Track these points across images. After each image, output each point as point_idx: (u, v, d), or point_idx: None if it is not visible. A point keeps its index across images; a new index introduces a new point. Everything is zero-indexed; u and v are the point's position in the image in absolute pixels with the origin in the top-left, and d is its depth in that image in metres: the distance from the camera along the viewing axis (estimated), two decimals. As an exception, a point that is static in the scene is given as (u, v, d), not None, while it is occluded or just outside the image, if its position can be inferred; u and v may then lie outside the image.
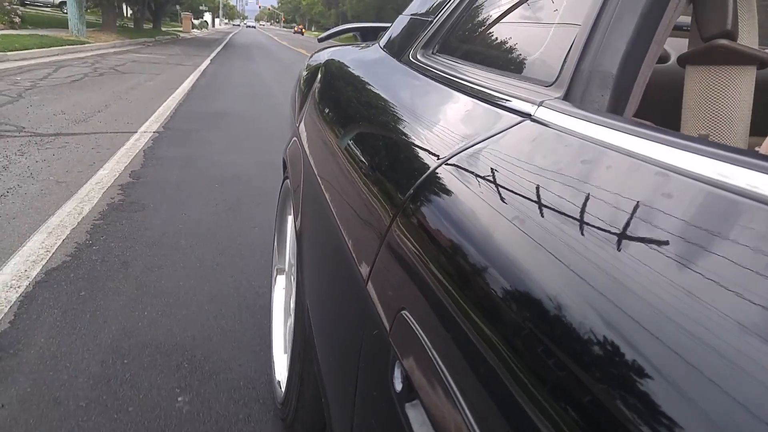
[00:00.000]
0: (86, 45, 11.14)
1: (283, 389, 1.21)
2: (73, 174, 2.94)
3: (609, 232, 0.32)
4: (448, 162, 0.54)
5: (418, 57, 0.94)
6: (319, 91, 1.25)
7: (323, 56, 1.46)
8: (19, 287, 1.74)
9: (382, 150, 0.73)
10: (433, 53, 0.93)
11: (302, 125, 1.28)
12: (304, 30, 58.47)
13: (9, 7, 12.76)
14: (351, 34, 1.99)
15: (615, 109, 0.46)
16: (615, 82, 0.46)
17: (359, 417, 0.59)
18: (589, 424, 0.26)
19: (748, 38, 0.56)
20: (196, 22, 37.42)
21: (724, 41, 0.53)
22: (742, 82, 0.55)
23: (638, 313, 0.27)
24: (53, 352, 1.45)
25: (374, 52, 1.19)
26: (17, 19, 12.44)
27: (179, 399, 1.32)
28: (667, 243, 0.28)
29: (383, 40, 1.21)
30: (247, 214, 2.61)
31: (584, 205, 0.35)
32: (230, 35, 29.95)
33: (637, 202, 0.32)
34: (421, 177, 0.55)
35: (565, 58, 0.52)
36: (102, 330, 1.57)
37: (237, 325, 1.65)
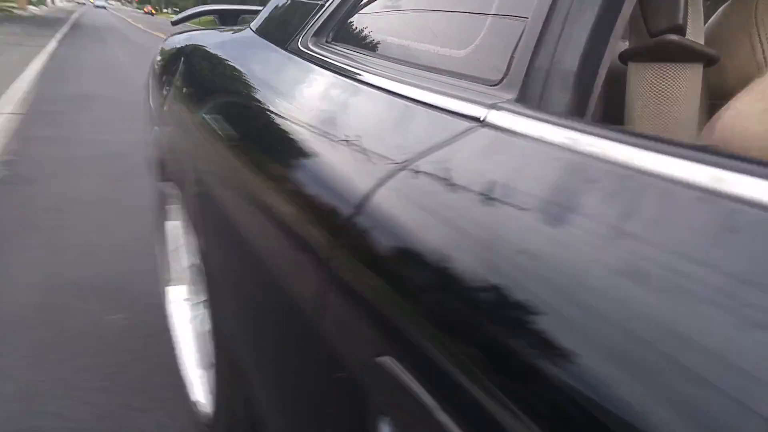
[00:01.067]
0: None
1: (210, 410, 1.10)
2: (-61, 154, 2.93)
3: (590, 244, 0.30)
4: (397, 174, 0.47)
5: (310, 45, 0.83)
6: (186, 81, 1.13)
7: (181, 41, 1.33)
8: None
9: (301, 166, 0.63)
10: (327, 42, 0.83)
11: (169, 118, 1.16)
12: (154, 11, 54.73)
13: None
14: (209, 17, 1.83)
15: (577, 110, 0.43)
16: (576, 81, 0.43)
17: None
18: None
19: (694, 35, 0.54)
20: (30, -3, 33.11)
21: (674, 37, 0.50)
22: (691, 81, 0.52)
23: (625, 333, 0.26)
24: (-15, 289, 1.70)
25: (247, 37, 1.06)
26: None
27: (110, 317, 1.68)
28: (648, 250, 0.27)
29: (256, 25, 1.08)
30: (133, 183, 2.87)
31: (561, 216, 0.33)
32: (75, 15, 27.15)
33: (619, 210, 0.31)
34: (361, 195, 0.49)
35: (513, 54, 0.48)
36: (26, 274, 1.83)
37: (143, 266, 2.00)
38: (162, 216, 1.41)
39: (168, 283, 1.47)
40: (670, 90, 0.52)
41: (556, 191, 0.35)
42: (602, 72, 0.43)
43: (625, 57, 0.55)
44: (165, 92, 1.24)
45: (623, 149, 0.33)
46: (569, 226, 0.33)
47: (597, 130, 0.36)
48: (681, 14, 0.51)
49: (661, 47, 0.51)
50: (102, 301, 1.74)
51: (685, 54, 0.51)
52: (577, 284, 0.30)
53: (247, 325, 0.79)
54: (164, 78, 1.30)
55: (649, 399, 0.24)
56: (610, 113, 0.54)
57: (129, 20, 28.99)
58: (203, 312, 1.11)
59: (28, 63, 6.85)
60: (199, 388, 1.19)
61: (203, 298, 1.07)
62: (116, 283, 1.86)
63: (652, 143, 0.33)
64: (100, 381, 1.39)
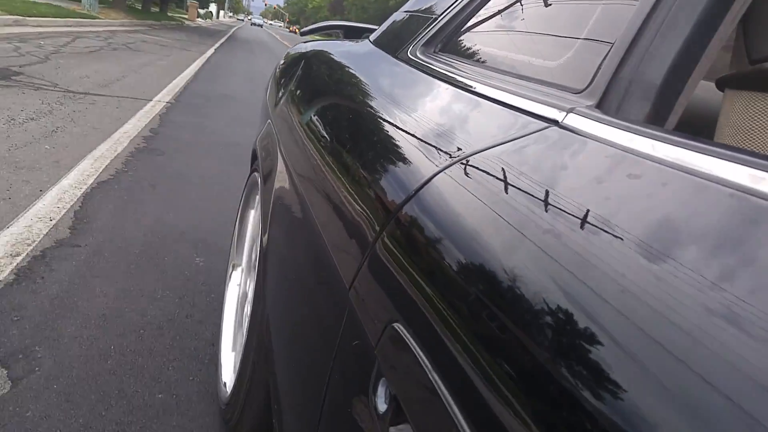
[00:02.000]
0: (97, 20, 11.74)
1: (229, 390, 1.17)
2: (104, 124, 3.61)
3: (644, 248, 0.29)
4: (456, 165, 0.49)
5: (418, 54, 0.88)
6: (300, 81, 1.20)
7: (305, 47, 1.42)
8: (80, 188, 2.42)
9: (377, 149, 0.68)
10: (435, 52, 0.87)
11: (277, 117, 1.23)
12: (297, 30, 60.95)
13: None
14: (335, 32, 1.89)
15: (655, 120, 0.42)
16: (658, 93, 0.42)
17: None
18: None
19: None
20: (201, 11, 37.92)
21: None
22: None
23: (675, 335, 0.25)
24: (113, 225, 2.14)
25: (364, 46, 1.13)
26: (32, -12, 12.95)
27: (197, 259, 2.02)
28: (710, 259, 0.26)
29: (374, 36, 1.14)
30: (245, 167, 3.29)
31: (625, 220, 0.32)
32: (233, 29, 30.63)
33: (686, 217, 0.30)
34: (423, 180, 0.52)
35: (600, 65, 0.49)
36: (142, 218, 2.26)
37: (236, 229, 2.35)
38: (247, 204, 1.53)
39: (233, 266, 1.57)
40: (763, 121, 0.47)
41: (618, 191, 0.35)
42: (689, 89, 0.43)
43: (722, 83, 0.52)
44: (281, 92, 1.33)
45: (696, 157, 0.33)
46: (625, 221, 0.32)
47: (670, 137, 0.36)
48: None
49: (759, 76, 0.48)
50: (193, 247, 2.10)
51: None
52: (622, 291, 0.28)
53: (283, 312, 0.84)
54: (282, 80, 1.41)
55: None
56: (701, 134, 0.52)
57: (277, 37, 31.95)
58: (249, 299, 1.19)
59: (188, 64, 7.99)
60: (229, 369, 1.28)
61: (252, 286, 1.16)
62: (210, 237, 2.22)
63: (722, 151, 0.32)
64: (176, 298, 1.73)
